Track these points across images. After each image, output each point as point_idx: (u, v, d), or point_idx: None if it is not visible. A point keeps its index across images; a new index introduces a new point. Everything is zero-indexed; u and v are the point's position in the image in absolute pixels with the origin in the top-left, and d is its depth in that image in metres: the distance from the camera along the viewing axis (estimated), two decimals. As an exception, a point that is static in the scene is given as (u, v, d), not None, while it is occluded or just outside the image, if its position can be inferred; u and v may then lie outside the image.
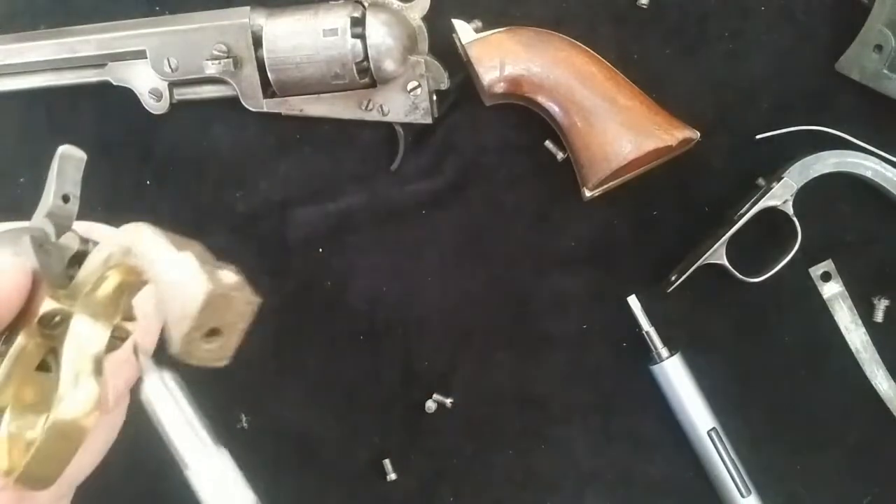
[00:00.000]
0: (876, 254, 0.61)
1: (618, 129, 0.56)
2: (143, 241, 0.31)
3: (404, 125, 0.60)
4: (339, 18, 0.56)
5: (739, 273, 0.58)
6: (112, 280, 0.33)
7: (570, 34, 0.58)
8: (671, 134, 0.56)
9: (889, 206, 0.59)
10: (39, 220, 0.37)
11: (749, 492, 0.58)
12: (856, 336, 0.60)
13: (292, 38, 0.56)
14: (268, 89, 0.59)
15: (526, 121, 0.60)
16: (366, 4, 0.58)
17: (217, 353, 0.29)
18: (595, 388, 0.61)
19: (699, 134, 0.57)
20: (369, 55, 0.57)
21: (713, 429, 0.58)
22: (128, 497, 0.60)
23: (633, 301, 0.59)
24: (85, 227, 0.39)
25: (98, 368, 0.33)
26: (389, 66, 0.58)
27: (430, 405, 0.61)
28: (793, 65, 0.60)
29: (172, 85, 0.60)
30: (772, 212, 0.57)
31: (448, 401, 0.61)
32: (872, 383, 0.60)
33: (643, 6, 0.61)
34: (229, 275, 0.29)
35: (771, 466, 0.60)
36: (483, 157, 0.61)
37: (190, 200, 0.62)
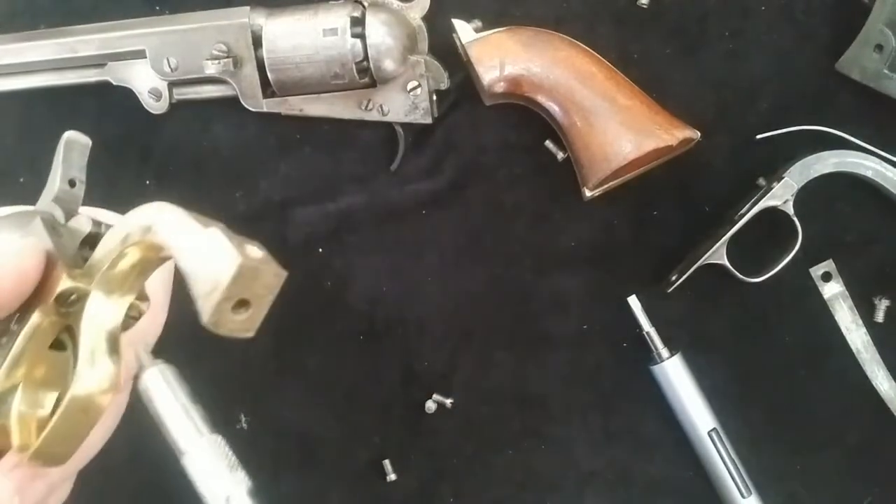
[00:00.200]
0: (876, 254, 0.61)
1: (618, 128, 0.56)
2: (167, 217, 0.31)
3: (404, 125, 0.60)
4: (339, 18, 0.56)
5: (740, 273, 0.58)
6: (131, 256, 0.33)
7: (570, 34, 0.58)
8: (671, 134, 0.56)
9: (889, 206, 0.59)
10: (46, 203, 0.37)
11: (749, 492, 0.58)
12: (856, 336, 0.60)
13: (292, 37, 0.56)
14: (267, 89, 0.59)
15: (526, 121, 0.60)
16: (366, 4, 0.58)
17: (245, 324, 0.29)
18: (595, 388, 0.61)
19: (699, 134, 0.57)
20: (369, 55, 0.57)
21: (713, 429, 0.58)
22: (130, 486, 0.60)
23: (633, 301, 0.59)
24: (90, 213, 0.39)
25: (114, 346, 0.33)
26: (389, 65, 0.58)
27: (430, 405, 0.61)
28: (793, 65, 0.60)
29: (172, 84, 0.60)
30: (772, 212, 0.57)
31: (448, 401, 0.61)
32: (873, 383, 0.60)
33: (643, 6, 0.61)
34: (255, 249, 0.30)
35: (771, 466, 0.60)
36: (483, 156, 0.61)
37: (190, 200, 0.62)
